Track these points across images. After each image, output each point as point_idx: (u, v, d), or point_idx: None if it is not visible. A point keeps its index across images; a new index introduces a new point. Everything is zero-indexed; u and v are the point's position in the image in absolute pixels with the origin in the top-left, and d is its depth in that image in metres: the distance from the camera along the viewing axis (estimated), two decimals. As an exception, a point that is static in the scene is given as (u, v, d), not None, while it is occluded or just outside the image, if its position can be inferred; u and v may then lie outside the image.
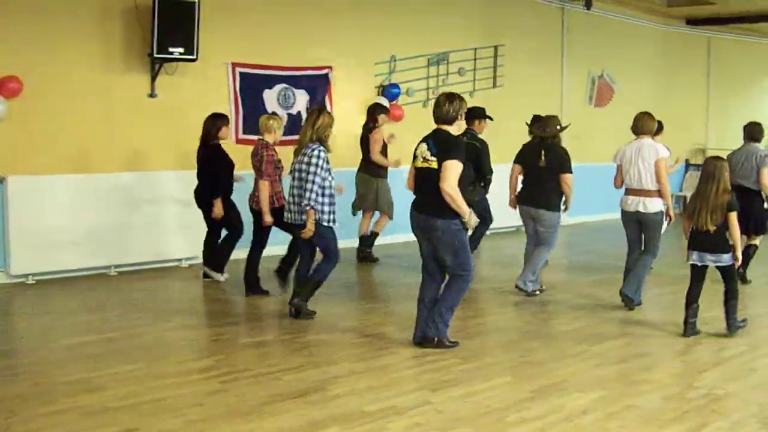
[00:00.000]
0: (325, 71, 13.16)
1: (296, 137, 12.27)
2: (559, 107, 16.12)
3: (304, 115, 12.73)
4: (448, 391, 6.48)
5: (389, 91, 13.86)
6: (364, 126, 12.26)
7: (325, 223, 8.53)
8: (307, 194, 8.37)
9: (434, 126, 7.52)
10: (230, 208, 10.41)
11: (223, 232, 10.65)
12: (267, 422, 5.72)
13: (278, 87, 12.63)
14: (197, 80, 11.67)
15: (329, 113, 8.78)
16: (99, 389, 6.35)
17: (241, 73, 12.22)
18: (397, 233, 12.95)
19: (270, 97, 12.59)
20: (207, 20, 11.21)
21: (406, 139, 12.24)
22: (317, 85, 13.05)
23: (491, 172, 11.14)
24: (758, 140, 11.17)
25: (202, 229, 11.45)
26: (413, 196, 7.71)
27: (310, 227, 8.42)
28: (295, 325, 8.45)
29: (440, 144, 7.37)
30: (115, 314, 8.90)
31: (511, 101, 15.67)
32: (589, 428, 5.81)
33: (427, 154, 7.38)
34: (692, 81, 20.94)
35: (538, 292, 10.15)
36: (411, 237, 7.93)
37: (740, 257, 8.28)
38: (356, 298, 9.75)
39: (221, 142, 10.38)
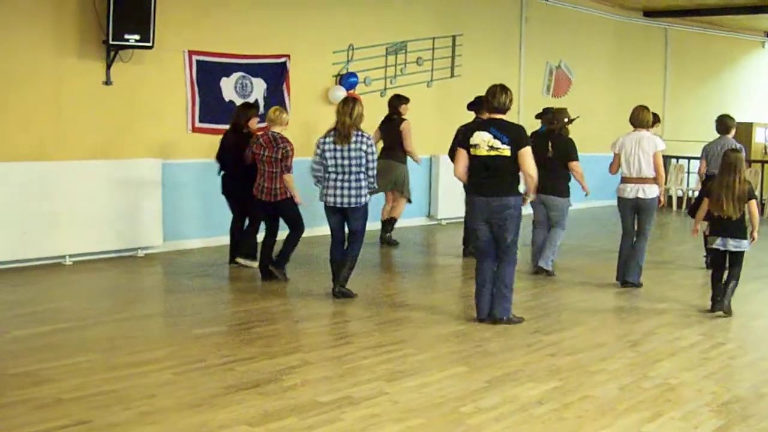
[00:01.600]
0: (282, 60, 13.08)
1: (258, 125, 12.38)
2: (516, 97, 16.04)
3: (261, 103, 12.67)
4: (403, 381, 6.47)
5: (347, 80, 13.81)
6: (388, 118, 12.80)
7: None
8: (371, 179, 9.01)
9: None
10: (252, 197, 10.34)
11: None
12: (220, 414, 5.67)
13: (235, 75, 12.53)
14: (153, 68, 11.54)
15: (361, 103, 9.10)
16: (50, 381, 6.25)
17: (197, 61, 12.11)
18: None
19: (227, 86, 12.48)
20: (164, 7, 11.12)
21: (364, 127, 12.20)
22: (275, 74, 12.97)
23: None
24: (729, 132, 11.53)
25: (158, 217, 11.40)
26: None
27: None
28: (249, 316, 8.40)
29: (512, 133, 8.02)
30: (68, 304, 8.80)
31: (469, 91, 15.55)
32: (544, 418, 5.81)
33: (496, 143, 7.94)
34: (649, 72, 21.06)
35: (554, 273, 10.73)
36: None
37: (756, 238, 8.94)
38: (314, 288, 9.68)
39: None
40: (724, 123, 11.62)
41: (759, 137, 20.96)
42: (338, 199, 8.97)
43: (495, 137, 7.92)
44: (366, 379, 6.50)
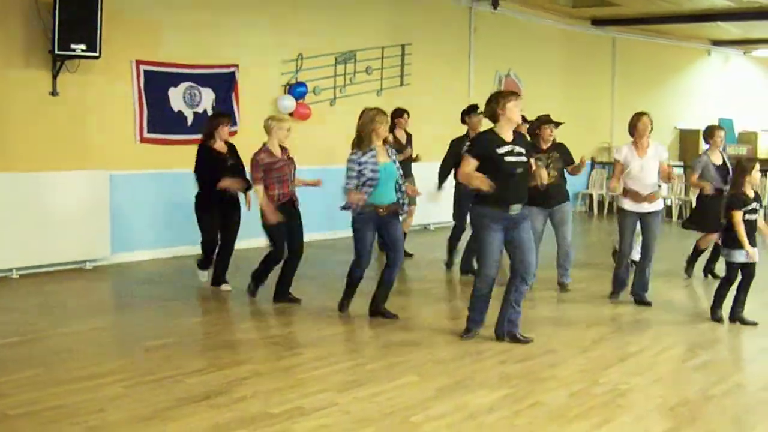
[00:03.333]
0: (231, 70, 13.03)
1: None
2: (465, 105, 16.12)
3: (210, 114, 12.61)
4: (354, 391, 6.45)
5: (296, 89, 13.79)
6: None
7: None
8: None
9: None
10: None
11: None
12: (170, 427, 5.62)
13: (183, 85, 12.46)
14: (100, 78, 11.44)
15: (372, 111, 8.74)
16: (-4, 396, 6.18)
17: (145, 71, 12.02)
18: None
19: (175, 96, 12.41)
20: (111, 17, 11.02)
21: (312, 137, 12.25)
22: (223, 84, 12.92)
23: None
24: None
25: (105, 229, 11.30)
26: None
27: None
28: (199, 328, 8.38)
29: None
30: (15, 318, 8.68)
31: (419, 100, 15.73)
32: (495, 426, 5.83)
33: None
34: (597, 80, 21.29)
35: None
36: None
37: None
38: (263, 299, 9.63)
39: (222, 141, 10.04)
40: (712, 133, 11.38)
41: (705, 144, 21.18)
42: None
43: None
44: (317, 389, 6.48)
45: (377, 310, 8.79)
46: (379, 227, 8.64)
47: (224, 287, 10.02)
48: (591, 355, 7.67)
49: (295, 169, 9.45)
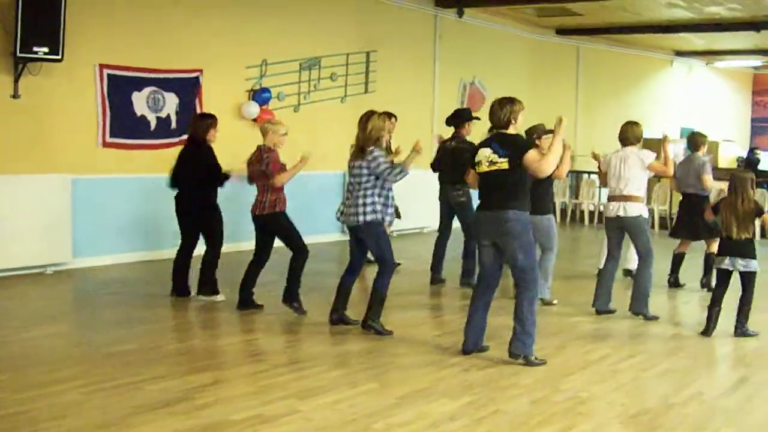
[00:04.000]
0: (195, 74, 12.98)
1: (169, 140, 12.20)
2: (430, 113, 16.28)
3: (173, 118, 12.57)
4: (315, 398, 6.43)
5: (260, 95, 13.77)
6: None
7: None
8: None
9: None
10: (215, 215, 9.87)
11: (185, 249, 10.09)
12: (130, 434, 5.59)
13: (147, 90, 12.39)
14: (63, 81, 11.36)
15: (380, 115, 8.54)
16: (-47, 402, 6.10)
17: (108, 75, 11.94)
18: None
19: (139, 100, 12.34)
20: (74, 19, 10.95)
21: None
22: (187, 89, 12.86)
23: None
24: (699, 149, 11.41)
25: (67, 234, 11.19)
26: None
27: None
28: (160, 334, 8.29)
29: (510, 144, 7.55)
30: (-27, 323, 8.59)
31: (383, 107, 15.49)
32: (456, 434, 5.84)
33: (494, 157, 7.53)
34: (562, 89, 21.43)
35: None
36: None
37: None
38: (227, 304, 9.59)
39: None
40: (694, 140, 11.50)
41: (670, 153, 21.34)
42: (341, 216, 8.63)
43: (494, 152, 7.54)
44: (279, 396, 6.45)
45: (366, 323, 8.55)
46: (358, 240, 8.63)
47: (219, 297, 9.82)
48: (553, 362, 7.68)
49: None
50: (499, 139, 7.62)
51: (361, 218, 8.28)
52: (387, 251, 8.44)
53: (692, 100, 25.13)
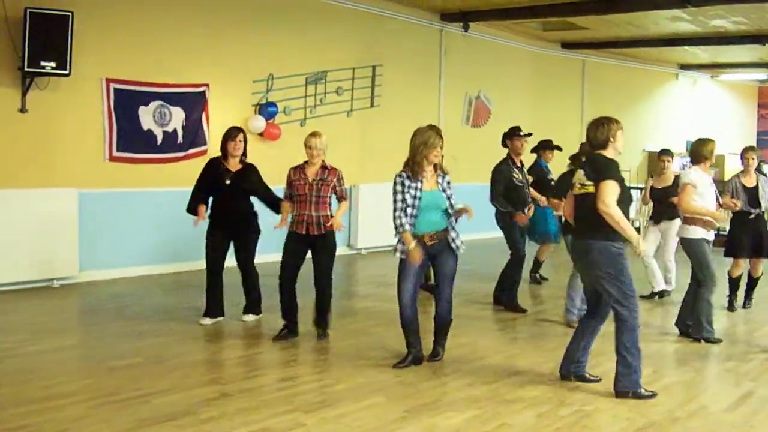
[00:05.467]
0: (201, 89, 13.02)
1: (176, 154, 12.19)
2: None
3: (180, 133, 12.61)
4: (321, 412, 6.45)
5: (266, 109, 13.80)
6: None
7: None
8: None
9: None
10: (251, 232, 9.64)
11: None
12: (135, 447, 5.60)
13: (154, 104, 12.43)
14: (70, 96, 11.42)
15: (427, 133, 7.85)
16: (-41, 416, 6.12)
17: (115, 89, 11.99)
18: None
19: (145, 115, 12.38)
20: (81, 34, 11.02)
21: (282, 157, 12.19)
22: (194, 103, 12.91)
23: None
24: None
25: (74, 247, 11.22)
26: None
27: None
28: (165, 348, 8.29)
29: (594, 167, 7.22)
30: (-21, 337, 8.62)
31: (389, 121, 15.79)
32: (460, 448, 5.85)
33: (584, 179, 7.25)
34: (567, 103, 21.43)
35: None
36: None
37: None
38: (230, 318, 9.60)
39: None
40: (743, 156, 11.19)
41: (674, 166, 21.37)
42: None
43: (584, 174, 7.26)
44: (283, 410, 6.47)
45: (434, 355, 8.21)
46: (430, 257, 8.00)
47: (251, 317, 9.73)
48: (558, 375, 7.68)
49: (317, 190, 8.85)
50: (590, 162, 7.36)
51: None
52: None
53: (697, 114, 25.10)
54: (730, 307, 11.24)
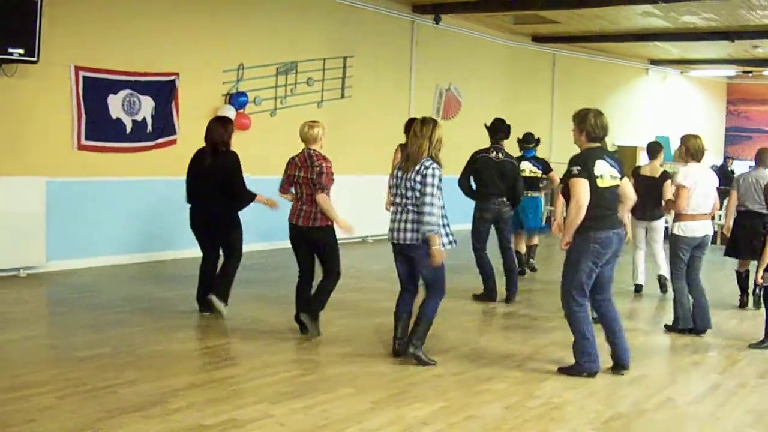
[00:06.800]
0: (171, 78, 12.95)
1: (143, 144, 12.12)
2: (407, 119, 16.21)
3: (149, 122, 12.54)
4: (289, 403, 6.43)
5: (237, 99, 13.75)
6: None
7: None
8: (427, 217, 7.41)
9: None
10: (238, 226, 9.40)
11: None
12: (102, 438, 5.56)
13: (123, 92, 12.34)
14: (38, 83, 11.31)
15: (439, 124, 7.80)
16: (-77, 406, 6.05)
17: (84, 77, 11.89)
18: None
19: (114, 103, 12.29)
20: (49, 21, 10.91)
21: (252, 147, 12.20)
22: (163, 92, 12.83)
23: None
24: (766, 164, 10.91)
25: (41, 237, 11.12)
26: None
27: (436, 254, 7.46)
28: (133, 338, 8.23)
29: (618, 162, 7.56)
30: (-55, 326, 8.53)
31: (359, 112, 15.80)
32: (429, 439, 5.85)
33: (614, 172, 7.44)
34: (537, 96, 21.53)
35: None
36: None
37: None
38: (196, 308, 9.56)
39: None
40: (759, 155, 10.99)
41: (643, 161, 21.53)
42: (394, 234, 7.74)
43: (611, 166, 7.42)
44: (251, 401, 6.44)
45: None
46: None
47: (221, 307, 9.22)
48: (526, 368, 7.71)
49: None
50: (609, 154, 7.54)
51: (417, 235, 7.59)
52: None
53: (667, 109, 25.28)
54: (741, 305, 11.19)
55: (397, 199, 7.69)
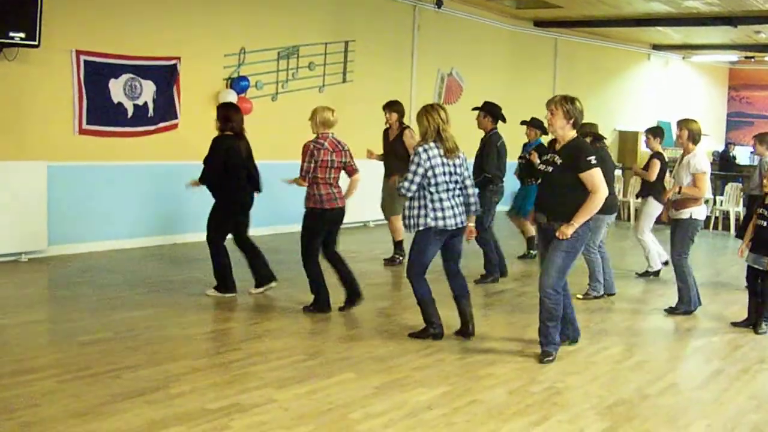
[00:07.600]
0: (173, 62, 12.90)
1: (145, 128, 12.10)
2: (408, 104, 16.19)
3: (150, 106, 12.51)
4: (292, 387, 6.42)
5: (238, 83, 13.72)
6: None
7: None
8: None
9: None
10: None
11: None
12: (105, 423, 5.53)
13: (124, 77, 12.30)
14: (39, 67, 11.27)
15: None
16: (-74, 390, 6.05)
17: (85, 62, 11.85)
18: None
19: (116, 87, 12.25)
20: (51, 5, 10.88)
21: (253, 131, 12.15)
22: (165, 76, 12.78)
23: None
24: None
25: (42, 221, 11.11)
26: None
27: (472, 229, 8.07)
28: (136, 323, 8.23)
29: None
30: (-53, 310, 8.53)
31: (361, 97, 15.74)
32: (433, 423, 5.83)
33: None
34: (539, 80, 21.44)
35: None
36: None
37: None
38: (202, 293, 9.56)
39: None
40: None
41: (645, 146, 21.50)
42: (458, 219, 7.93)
43: None
44: (254, 385, 6.44)
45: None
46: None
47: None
48: (529, 353, 7.70)
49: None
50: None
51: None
52: None
53: (669, 94, 25.24)
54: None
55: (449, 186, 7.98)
